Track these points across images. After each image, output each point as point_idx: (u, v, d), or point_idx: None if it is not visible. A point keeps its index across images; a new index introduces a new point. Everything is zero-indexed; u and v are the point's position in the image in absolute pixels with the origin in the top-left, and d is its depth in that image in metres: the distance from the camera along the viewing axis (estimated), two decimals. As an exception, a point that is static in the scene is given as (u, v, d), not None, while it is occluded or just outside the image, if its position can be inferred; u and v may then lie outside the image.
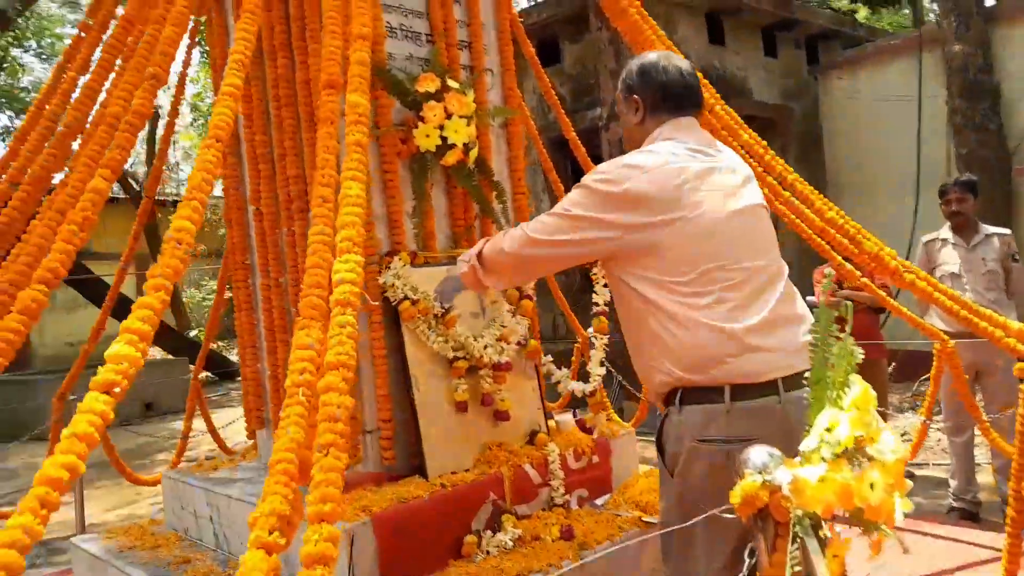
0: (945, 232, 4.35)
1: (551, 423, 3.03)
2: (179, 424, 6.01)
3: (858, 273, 3.43)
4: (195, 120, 19.37)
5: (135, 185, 14.55)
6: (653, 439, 1.95)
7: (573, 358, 4.94)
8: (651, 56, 1.96)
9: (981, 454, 4.55)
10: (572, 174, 4.22)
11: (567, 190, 2.03)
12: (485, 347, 2.72)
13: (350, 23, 1.92)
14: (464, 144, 2.76)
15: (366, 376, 2.61)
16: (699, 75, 2.01)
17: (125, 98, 1.87)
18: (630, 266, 1.81)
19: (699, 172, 1.79)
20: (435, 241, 2.80)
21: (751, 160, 2.83)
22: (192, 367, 10.78)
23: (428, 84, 2.71)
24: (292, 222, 2.77)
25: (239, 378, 3.40)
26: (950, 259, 4.28)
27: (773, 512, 1.23)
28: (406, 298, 2.61)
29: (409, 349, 2.62)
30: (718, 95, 2.77)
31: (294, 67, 2.70)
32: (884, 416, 4.84)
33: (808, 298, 5.75)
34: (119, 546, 2.93)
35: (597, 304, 3.04)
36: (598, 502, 2.93)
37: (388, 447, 2.59)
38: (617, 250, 1.80)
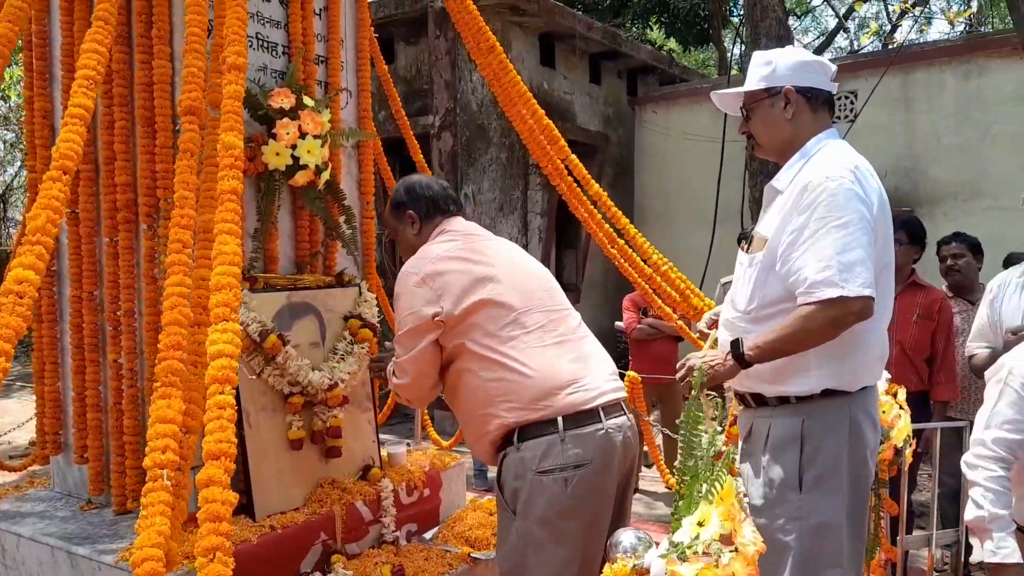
0: None
1: (384, 454, 2.97)
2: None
3: (659, 301, 3.66)
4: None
5: None
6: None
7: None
8: (413, 177, 2.32)
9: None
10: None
11: None
12: (323, 382, 2.60)
13: (222, 47, 1.77)
14: (316, 165, 2.64)
15: (192, 408, 2.41)
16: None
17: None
18: (451, 330, 2.00)
19: (486, 245, 2.14)
20: (277, 265, 2.65)
21: (599, 210, 2.96)
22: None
23: (282, 100, 2.56)
24: (116, 232, 2.50)
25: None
26: None
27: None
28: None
29: (241, 382, 2.46)
30: (571, 152, 2.87)
31: (132, 64, 2.44)
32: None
33: (617, 323, 6.12)
34: None
35: None
36: (427, 536, 2.92)
37: (213, 485, 2.41)
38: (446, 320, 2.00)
